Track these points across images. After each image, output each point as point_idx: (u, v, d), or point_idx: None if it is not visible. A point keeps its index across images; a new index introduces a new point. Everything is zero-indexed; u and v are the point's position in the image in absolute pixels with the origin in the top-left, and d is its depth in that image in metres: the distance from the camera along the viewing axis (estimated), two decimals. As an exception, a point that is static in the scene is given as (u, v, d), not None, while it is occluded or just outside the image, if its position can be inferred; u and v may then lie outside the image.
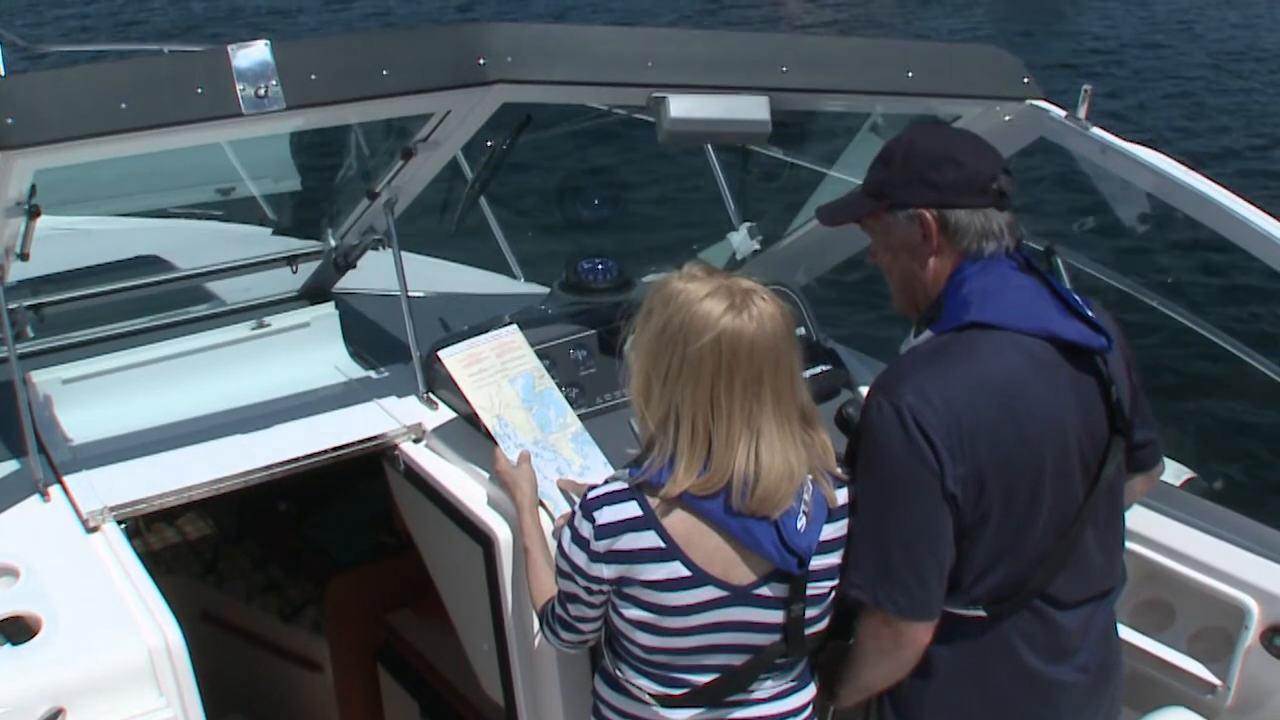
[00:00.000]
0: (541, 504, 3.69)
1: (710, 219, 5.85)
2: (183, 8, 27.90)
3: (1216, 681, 3.95)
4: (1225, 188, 4.00)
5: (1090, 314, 3.20)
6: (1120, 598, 3.51)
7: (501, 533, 3.76)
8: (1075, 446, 3.15)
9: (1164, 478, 4.18)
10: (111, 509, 3.85)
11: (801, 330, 4.65)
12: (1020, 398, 3.07)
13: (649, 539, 3.00)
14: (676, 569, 2.99)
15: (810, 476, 3.05)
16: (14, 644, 3.33)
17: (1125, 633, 3.84)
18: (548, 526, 3.60)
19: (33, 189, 3.61)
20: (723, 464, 2.93)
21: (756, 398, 2.92)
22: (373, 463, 4.36)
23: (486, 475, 3.91)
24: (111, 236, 6.53)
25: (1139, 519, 4.03)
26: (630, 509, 3.01)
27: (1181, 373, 9.10)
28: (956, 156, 3.21)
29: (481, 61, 3.64)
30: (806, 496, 3.02)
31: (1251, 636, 3.87)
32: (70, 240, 6.11)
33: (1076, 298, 3.24)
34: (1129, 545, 3.72)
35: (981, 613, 3.14)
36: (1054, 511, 3.12)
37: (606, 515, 3.02)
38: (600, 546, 3.02)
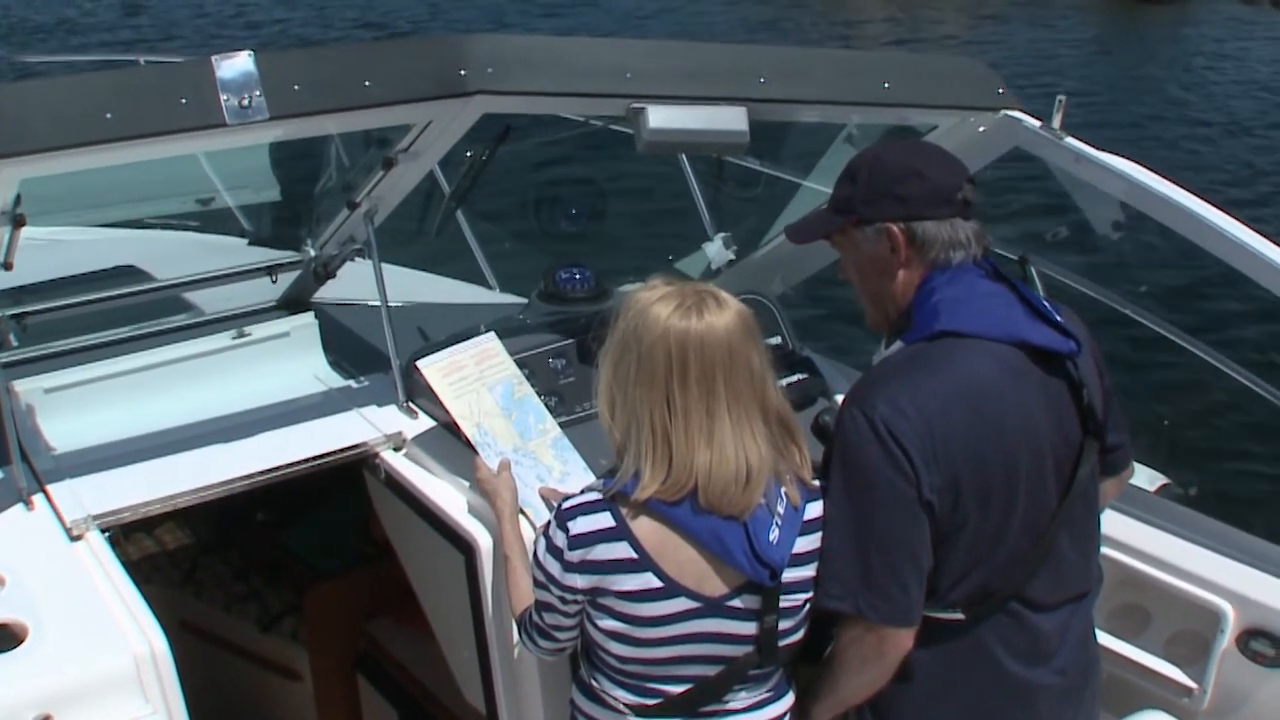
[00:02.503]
0: (522, 512, 3.70)
1: (686, 229, 5.87)
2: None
3: (1193, 685, 4.00)
4: (1198, 195, 4.04)
5: (1059, 319, 3.23)
6: (1097, 602, 3.53)
7: (483, 540, 3.77)
8: (1048, 450, 3.17)
9: (1140, 484, 4.23)
10: (95, 517, 3.86)
11: (777, 339, 4.68)
12: (992, 404, 3.09)
13: (622, 550, 3.01)
14: (649, 580, 3.02)
15: (782, 488, 3.07)
16: (0, 651, 3.34)
17: (1102, 637, 3.86)
18: (529, 534, 3.60)
19: (18, 198, 3.62)
20: (684, 462, 2.95)
21: (711, 394, 2.95)
22: (351, 471, 4.37)
23: (467, 483, 3.92)
24: (91, 247, 6.54)
25: (1115, 524, 4.07)
26: (604, 519, 3.03)
27: (1155, 379, 9.11)
28: (920, 169, 3.24)
29: (462, 72, 3.67)
30: (780, 508, 3.05)
31: (1227, 640, 3.92)
32: (50, 250, 6.10)
33: (1045, 303, 3.27)
34: (1106, 550, 3.75)
35: (959, 615, 3.15)
36: (1029, 515, 3.14)
37: (580, 525, 3.04)
38: (574, 557, 3.04)
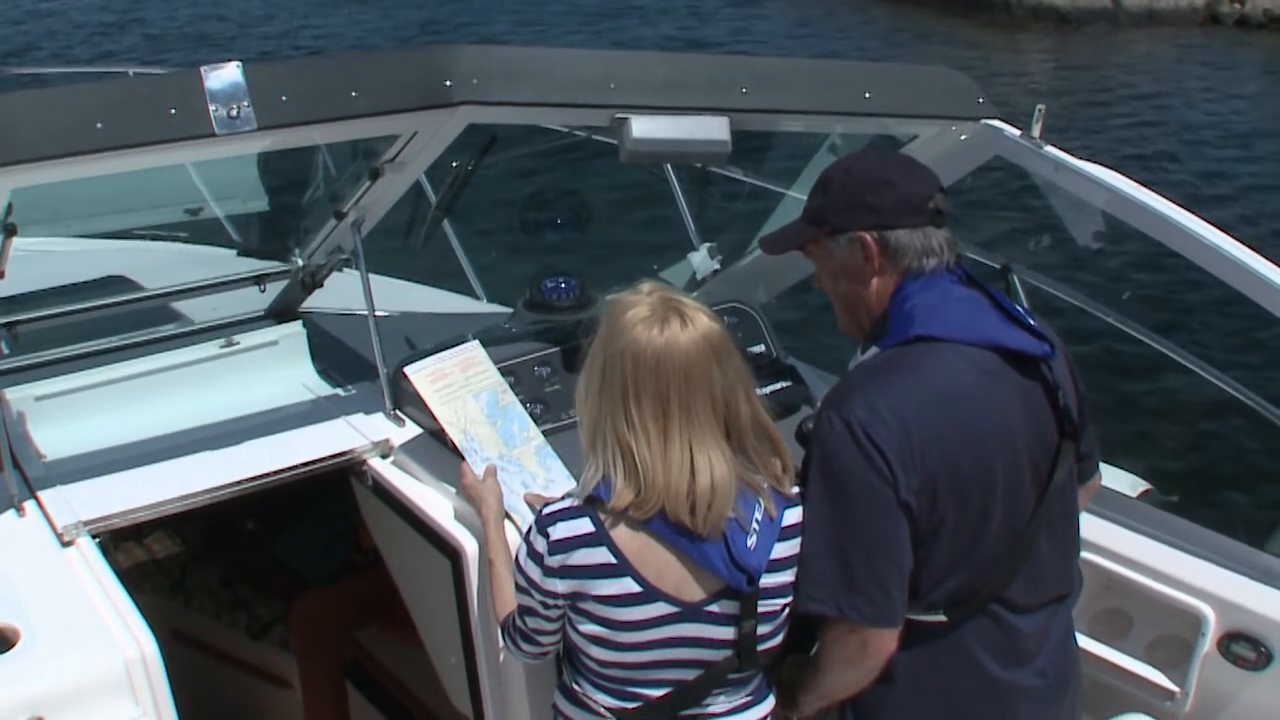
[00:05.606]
0: (509, 517, 3.73)
1: (672, 239, 5.90)
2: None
3: (1175, 688, 4.02)
4: (1176, 203, 4.07)
5: (1033, 322, 3.27)
6: (1078, 606, 3.55)
7: (469, 546, 3.79)
8: (1025, 452, 3.20)
9: (1122, 490, 4.25)
10: (85, 523, 3.88)
11: (761, 348, 4.70)
12: (967, 407, 3.12)
13: (601, 555, 3.04)
14: (628, 585, 3.04)
15: (759, 496, 3.10)
16: None
17: (1084, 641, 3.89)
18: (515, 539, 3.62)
19: (9, 207, 3.65)
20: (652, 480, 2.97)
21: (665, 415, 2.97)
22: (339, 480, 4.39)
23: (453, 489, 3.94)
24: (80, 257, 6.54)
25: (1097, 529, 4.10)
26: (583, 525, 3.06)
27: (1138, 386, 9.16)
28: (892, 179, 3.28)
29: (448, 83, 3.70)
30: (757, 515, 3.07)
31: (1209, 643, 3.94)
32: (40, 261, 6.11)
33: (1018, 308, 3.31)
34: (1088, 555, 3.78)
35: (941, 617, 3.18)
36: (1007, 517, 3.17)
37: (560, 531, 3.06)
38: (554, 562, 3.06)
